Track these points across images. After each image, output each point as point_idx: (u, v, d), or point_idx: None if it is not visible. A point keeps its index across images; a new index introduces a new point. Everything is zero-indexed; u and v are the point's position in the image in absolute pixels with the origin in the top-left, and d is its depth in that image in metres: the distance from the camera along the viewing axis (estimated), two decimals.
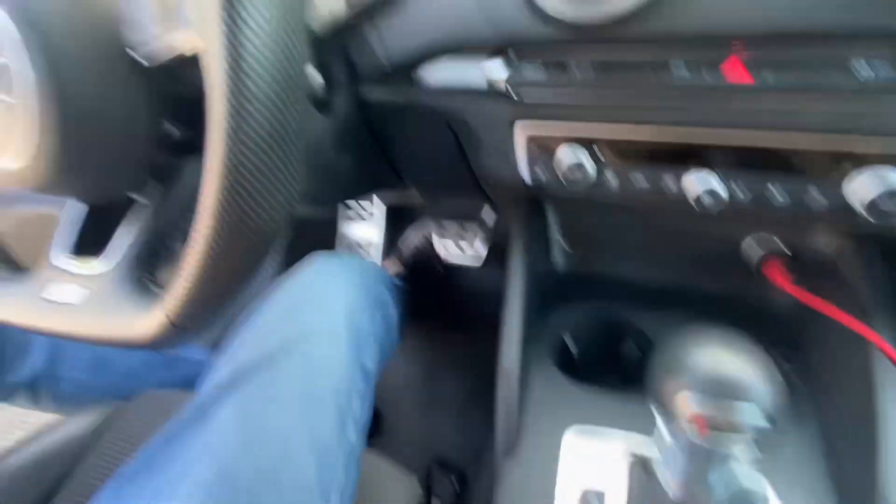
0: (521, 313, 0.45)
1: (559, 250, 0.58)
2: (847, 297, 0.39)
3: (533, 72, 0.36)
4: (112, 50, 0.27)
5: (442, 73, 0.42)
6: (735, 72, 0.29)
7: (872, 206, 0.29)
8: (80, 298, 0.32)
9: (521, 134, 0.40)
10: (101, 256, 0.33)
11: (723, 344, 0.24)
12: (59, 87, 0.25)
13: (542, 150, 0.40)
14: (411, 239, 1.02)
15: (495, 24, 0.35)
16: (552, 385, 0.43)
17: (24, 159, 0.27)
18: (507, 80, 0.37)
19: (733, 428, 0.23)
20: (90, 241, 0.35)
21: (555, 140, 0.39)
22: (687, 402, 0.24)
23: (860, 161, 0.29)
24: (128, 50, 0.27)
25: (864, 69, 0.26)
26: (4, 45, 0.25)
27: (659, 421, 0.27)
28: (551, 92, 0.36)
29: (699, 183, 0.34)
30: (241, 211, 0.22)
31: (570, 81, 0.35)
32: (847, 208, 0.31)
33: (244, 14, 0.19)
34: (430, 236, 1.02)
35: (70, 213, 0.36)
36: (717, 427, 0.23)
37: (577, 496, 0.35)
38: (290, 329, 0.39)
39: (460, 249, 1.02)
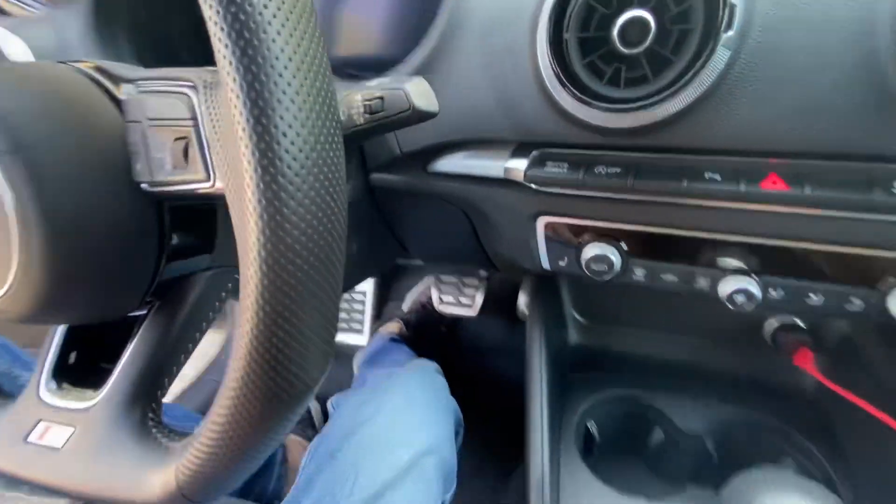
0: (547, 404, 0.43)
1: (573, 323, 0.56)
2: (870, 378, 0.39)
3: (557, 168, 0.35)
4: (112, 169, 0.24)
5: (458, 162, 0.41)
6: (772, 183, 0.29)
7: None
8: (62, 440, 0.28)
9: (542, 224, 0.39)
10: (90, 385, 0.30)
11: (804, 491, 0.23)
12: (44, 208, 0.22)
13: (561, 237, 0.39)
14: (414, 298, 1.00)
15: (516, 123, 0.35)
16: (583, 486, 0.41)
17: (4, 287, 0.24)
18: (529, 176, 0.35)
19: None
20: (82, 365, 0.32)
21: (578, 230, 0.38)
22: None
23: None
24: (135, 179, 0.24)
25: None
26: None
27: None
28: (576, 190, 0.35)
29: (735, 284, 0.33)
30: (277, 376, 0.20)
31: (596, 183, 0.34)
32: (885, 314, 0.31)
33: (281, 155, 0.17)
34: (430, 293, 1.00)
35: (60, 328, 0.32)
36: None
37: None
38: (417, 444, 0.43)
39: (458, 302, 1.00)
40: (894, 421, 0.35)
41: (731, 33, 0.25)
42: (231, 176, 0.18)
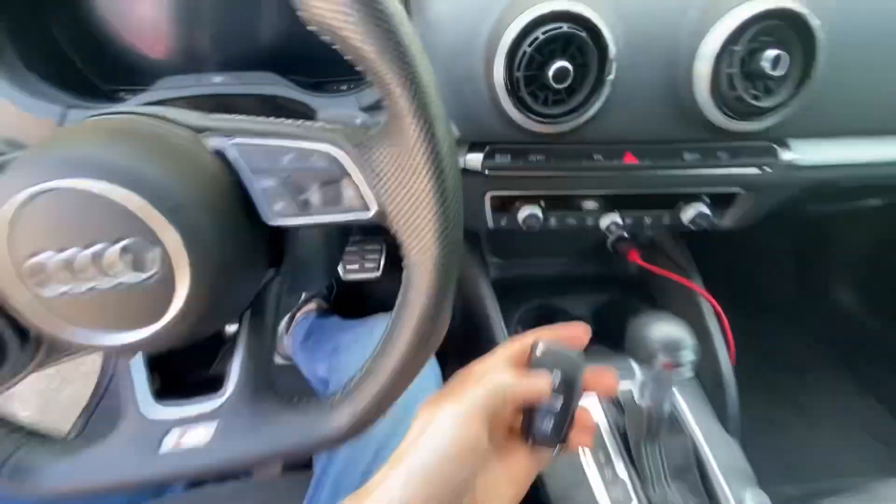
0: (502, 318, 0.61)
1: (492, 264, 0.75)
2: (672, 264, 0.67)
3: (503, 158, 0.50)
4: (239, 211, 0.29)
5: None
6: (628, 158, 0.49)
7: (692, 221, 0.54)
8: (205, 436, 0.34)
9: (488, 197, 0.54)
10: (195, 393, 0.35)
11: (668, 322, 0.45)
12: (200, 250, 0.28)
13: (503, 206, 0.55)
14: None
15: (473, 128, 0.48)
16: None
17: (158, 326, 0.29)
18: (485, 165, 0.50)
19: (682, 364, 0.43)
20: (170, 384, 0.36)
21: (513, 199, 0.54)
22: (660, 357, 0.43)
23: (687, 199, 0.53)
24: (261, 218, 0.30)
25: (689, 155, 0.49)
26: (147, 226, 0.26)
27: (636, 368, 0.47)
28: (517, 173, 0.51)
29: (609, 219, 0.55)
30: (434, 329, 0.31)
31: (529, 166, 0.50)
32: (680, 223, 0.55)
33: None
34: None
35: (135, 361, 0.35)
36: (675, 365, 0.43)
37: None
38: None
39: (362, 267, 1.10)
40: (685, 279, 0.63)
41: (611, 77, 0.42)
42: (402, 202, 0.28)
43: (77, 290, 0.26)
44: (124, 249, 0.26)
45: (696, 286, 0.63)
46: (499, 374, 0.31)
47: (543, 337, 0.34)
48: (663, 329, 0.44)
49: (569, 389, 0.32)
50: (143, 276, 0.27)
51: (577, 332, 0.35)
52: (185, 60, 0.52)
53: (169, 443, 0.33)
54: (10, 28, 0.45)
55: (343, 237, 0.66)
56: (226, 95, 0.47)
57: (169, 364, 0.36)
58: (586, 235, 0.73)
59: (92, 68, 0.51)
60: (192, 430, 0.34)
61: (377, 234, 1.06)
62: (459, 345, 0.67)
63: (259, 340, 0.36)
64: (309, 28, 0.25)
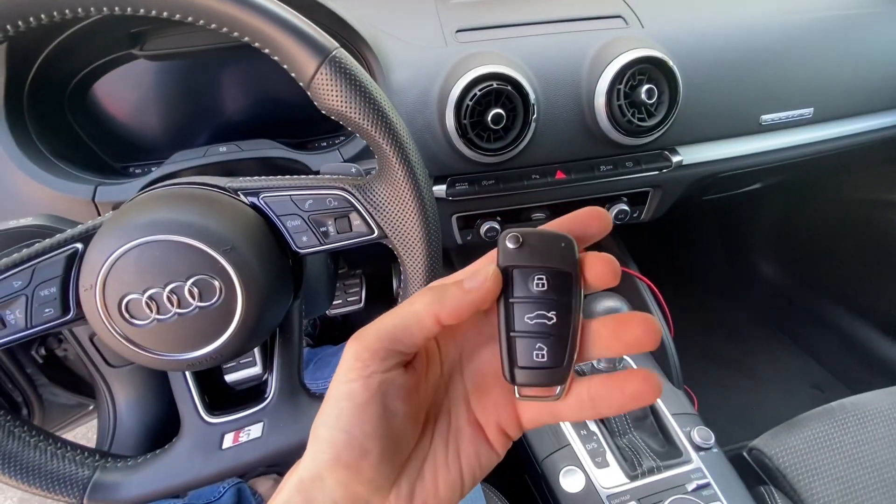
0: None
1: None
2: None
3: (462, 186, 0.62)
4: (274, 245, 0.39)
5: None
6: (559, 175, 0.62)
7: (617, 217, 0.68)
8: (258, 432, 0.42)
9: (455, 219, 0.65)
10: (242, 401, 0.43)
11: (607, 298, 0.57)
12: (251, 280, 0.37)
13: (467, 224, 0.66)
14: None
15: (436, 165, 0.60)
16: None
17: (222, 340, 0.37)
18: (448, 193, 0.61)
19: None
20: (216, 398, 0.44)
21: (475, 217, 0.66)
22: None
23: (611, 200, 0.67)
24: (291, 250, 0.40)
25: (604, 167, 0.63)
26: (210, 264, 0.36)
27: None
28: (474, 196, 0.62)
29: None
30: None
31: (483, 190, 0.62)
32: None
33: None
34: None
35: (189, 378, 0.43)
36: None
37: None
38: None
39: (345, 301, 1.17)
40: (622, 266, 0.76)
41: (535, 116, 0.56)
42: (396, 224, 0.39)
43: (164, 317, 0.35)
44: (194, 284, 0.35)
45: (632, 271, 0.76)
46: (417, 296, 0.21)
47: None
48: (604, 303, 0.56)
49: (562, 291, 0.21)
50: (210, 302, 0.36)
51: (583, 217, 0.23)
52: (181, 138, 0.62)
53: (228, 441, 0.41)
54: (37, 124, 0.54)
55: (335, 269, 0.75)
56: (229, 161, 0.56)
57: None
58: None
59: (106, 151, 0.60)
60: (245, 430, 0.42)
61: (355, 266, 1.15)
62: None
63: (290, 352, 0.45)
64: (323, 112, 0.36)
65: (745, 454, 0.64)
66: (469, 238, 0.67)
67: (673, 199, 0.68)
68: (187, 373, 0.43)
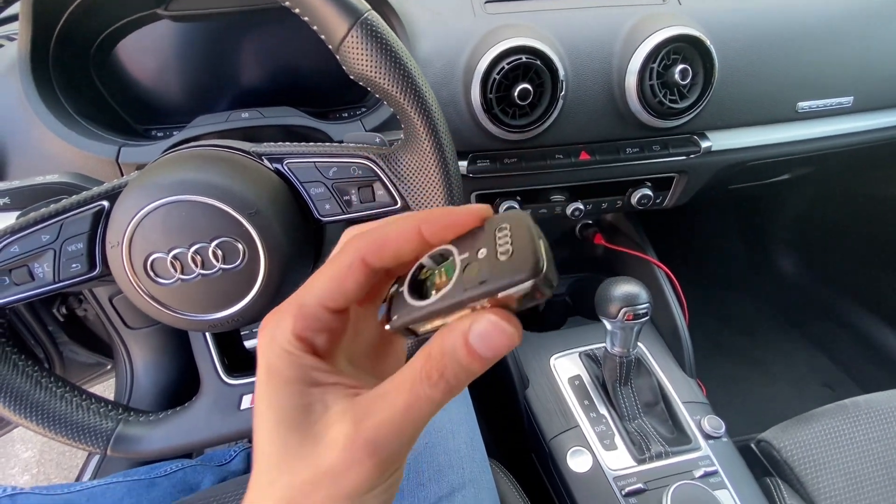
0: None
1: None
2: (630, 242, 0.79)
3: (484, 163, 0.61)
4: (296, 211, 0.39)
5: None
6: (583, 156, 0.61)
7: (639, 202, 0.66)
8: None
9: (474, 196, 0.65)
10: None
11: (626, 282, 0.56)
12: (273, 244, 0.37)
13: (487, 202, 0.66)
14: None
15: (458, 141, 0.59)
16: (526, 339, 0.71)
17: (245, 302, 0.37)
18: (469, 170, 0.60)
19: (640, 314, 0.55)
20: (234, 361, 0.44)
21: (494, 195, 0.65)
22: (623, 310, 0.54)
23: (634, 185, 0.65)
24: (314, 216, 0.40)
25: (630, 150, 0.61)
26: (234, 227, 0.36)
27: (607, 323, 0.57)
28: (496, 174, 0.62)
29: (573, 206, 0.66)
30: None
31: (505, 168, 0.61)
32: (630, 205, 0.68)
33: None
34: None
35: (209, 340, 0.43)
36: (635, 315, 0.55)
37: (566, 383, 0.64)
38: None
39: None
40: (641, 253, 0.75)
41: (563, 93, 0.54)
42: (420, 196, 0.38)
43: (188, 278, 0.35)
44: (218, 246, 0.35)
45: (650, 258, 0.75)
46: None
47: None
48: (623, 287, 0.55)
49: None
50: (234, 265, 0.36)
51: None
52: (203, 103, 0.62)
53: (247, 402, 0.42)
54: (62, 82, 0.54)
55: None
56: (251, 127, 0.56)
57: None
58: (557, 224, 0.85)
59: (129, 112, 0.59)
60: None
61: None
62: None
63: None
64: (351, 78, 0.35)
65: (752, 445, 0.64)
66: None
67: (699, 185, 0.66)
68: (208, 335, 0.44)
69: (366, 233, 0.19)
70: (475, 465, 0.51)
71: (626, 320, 0.55)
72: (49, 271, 0.36)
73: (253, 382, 0.43)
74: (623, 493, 0.53)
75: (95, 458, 1.01)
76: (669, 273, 0.74)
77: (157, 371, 0.83)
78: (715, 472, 0.55)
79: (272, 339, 0.19)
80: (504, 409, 0.72)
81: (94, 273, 0.37)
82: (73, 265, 0.36)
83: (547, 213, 0.67)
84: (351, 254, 0.18)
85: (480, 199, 0.65)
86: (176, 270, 0.35)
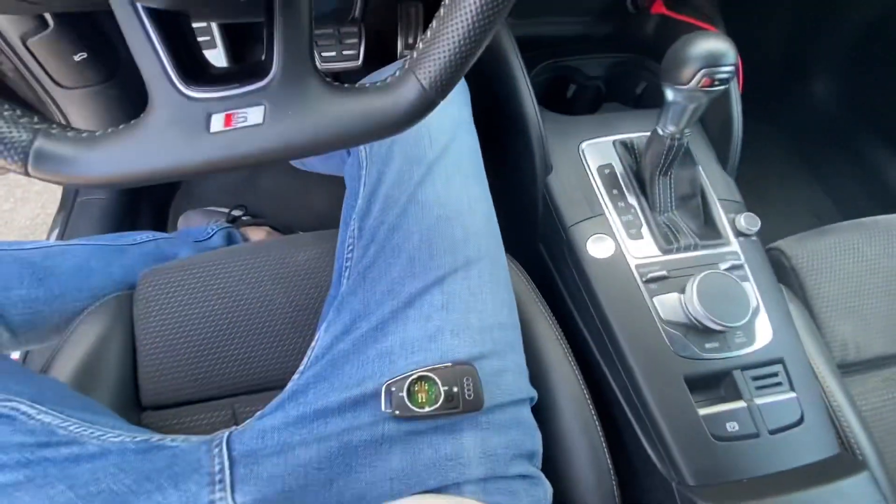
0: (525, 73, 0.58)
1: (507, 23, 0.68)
2: (696, 13, 0.63)
3: None
4: None
5: None
6: None
7: None
8: (258, 117, 0.31)
9: None
10: (238, 76, 0.31)
11: (710, 37, 0.43)
12: None
13: None
14: None
15: None
16: (555, 121, 0.60)
17: None
18: None
19: (721, 80, 0.43)
20: (201, 68, 0.32)
21: None
22: (701, 73, 0.43)
23: None
24: None
25: None
26: None
27: (670, 92, 0.46)
28: None
29: None
30: None
31: None
32: None
33: None
34: None
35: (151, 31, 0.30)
36: (713, 81, 0.43)
37: (595, 171, 0.56)
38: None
39: (340, 55, 0.97)
40: (709, 25, 0.60)
41: None
42: None
43: None
44: None
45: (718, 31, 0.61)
46: None
47: None
48: (706, 44, 0.42)
49: None
50: None
51: None
52: None
53: (218, 123, 0.31)
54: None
55: None
56: None
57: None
58: None
59: None
60: (240, 113, 0.31)
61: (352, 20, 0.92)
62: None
63: (297, 21, 0.31)
64: None
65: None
66: None
67: None
68: (150, 28, 0.30)
69: None
70: (492, 241, 0.46)
71: (701, 87, 0.43)
72: None
73: (223, 99, 0.31)
74: (644, 279, 0.50)
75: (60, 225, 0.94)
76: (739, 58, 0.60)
77: None
78: (741, 266, 0.52)
79: None
80: (516, 200, 0.65)
81: None
82: None
83: None
84: None
85: None
86: None
